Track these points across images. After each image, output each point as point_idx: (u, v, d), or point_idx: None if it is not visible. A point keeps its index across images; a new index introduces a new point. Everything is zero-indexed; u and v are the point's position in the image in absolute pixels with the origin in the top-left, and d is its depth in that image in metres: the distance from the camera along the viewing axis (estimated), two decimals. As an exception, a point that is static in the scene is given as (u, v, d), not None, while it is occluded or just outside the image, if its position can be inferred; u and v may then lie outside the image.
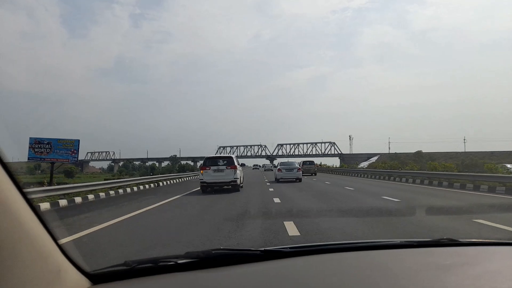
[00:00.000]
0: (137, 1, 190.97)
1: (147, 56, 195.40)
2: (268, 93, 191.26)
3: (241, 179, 16.46)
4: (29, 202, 0.86)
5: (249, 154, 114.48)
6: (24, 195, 0.85)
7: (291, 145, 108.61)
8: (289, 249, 1.32)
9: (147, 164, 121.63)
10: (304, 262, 1.27)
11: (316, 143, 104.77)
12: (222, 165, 15.06)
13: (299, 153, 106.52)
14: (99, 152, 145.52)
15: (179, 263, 1.16)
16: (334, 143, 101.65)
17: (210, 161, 15.43)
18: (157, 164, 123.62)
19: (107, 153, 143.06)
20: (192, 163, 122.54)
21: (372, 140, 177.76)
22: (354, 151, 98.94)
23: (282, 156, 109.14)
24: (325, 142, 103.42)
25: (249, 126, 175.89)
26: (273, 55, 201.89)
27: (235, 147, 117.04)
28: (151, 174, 37.96)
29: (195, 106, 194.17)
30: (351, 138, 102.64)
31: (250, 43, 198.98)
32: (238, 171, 15.30)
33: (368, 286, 1.05)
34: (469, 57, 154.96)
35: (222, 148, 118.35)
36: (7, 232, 0.78)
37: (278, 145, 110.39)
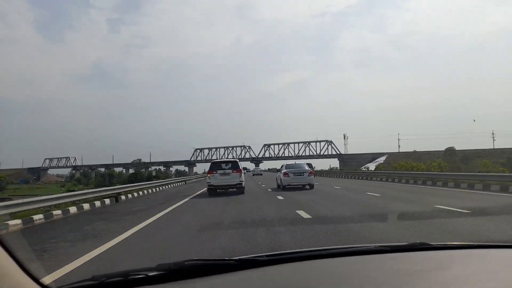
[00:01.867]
0: (114, 6, 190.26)
1: (126, 61, 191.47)
2: (251, 97, 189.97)
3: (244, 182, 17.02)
4: None
5: (230, 156, 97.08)
6: None
7: (280, 145, 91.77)
8: (265, 257, 1.30)
9: (114, 170, 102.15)
10: (279, 271, 1.26)
11: (309, 142, 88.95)
12: (228, 169, 15.89)
13: (290, 155, 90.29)
14: (58, 159, 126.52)
15: (150, 276, 1.13)
16: (331, 141, 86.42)
17: (217, 166, 16.29)
18: (124, 170, 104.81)
19: (67, 159, 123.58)
20: (164, 169, 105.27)
21: (367, 140, 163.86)
22: (355, 152, 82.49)
23: (270, 158, 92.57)
24: (320, 141, 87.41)
25: (231, 128, 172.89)
26: (255, 59, 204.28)
27: (214, 149, 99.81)
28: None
29: (175, 110, 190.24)
30: (345, 137, 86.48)
31: (232, 47, 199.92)
32: (243, 175, 16.43)
33: None
34: (446, 61, 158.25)
35: (199, 151, 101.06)
36: None
37: (264, 145, 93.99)
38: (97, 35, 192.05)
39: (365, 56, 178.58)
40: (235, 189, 15.85)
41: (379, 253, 1.46)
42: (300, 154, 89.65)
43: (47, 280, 1.00)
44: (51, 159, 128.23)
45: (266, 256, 1.31)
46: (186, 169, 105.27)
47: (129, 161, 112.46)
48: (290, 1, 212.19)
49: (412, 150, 71.12)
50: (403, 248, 1.51)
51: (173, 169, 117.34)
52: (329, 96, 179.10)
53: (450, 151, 54.36)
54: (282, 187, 17.89)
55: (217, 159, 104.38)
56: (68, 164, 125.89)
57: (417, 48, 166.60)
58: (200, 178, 44.55)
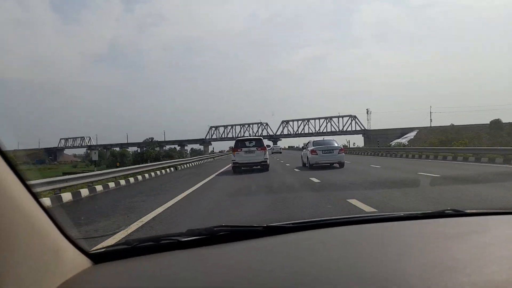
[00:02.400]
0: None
1: (141, 40, 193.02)
2: (267, 75, 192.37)
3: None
4: (25, 183, 0.87)
5: (246, 134, 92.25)
6: (20, 177, 0.86)
7: (299, 122, 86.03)
8: (291, 225, 1.33)
9: (128, 150, 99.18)
10: (306, 237, 1.28)
11: (331, 118, 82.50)
12: (252, 147, 15.98)
13: (310, 131, 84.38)
14: (73, 138, 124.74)
15: (181, 241, 1.18)
16: (355, 116, 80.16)
17: (241, 143, 16.39)
18: (138, 150, 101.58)
19: (82, 139, 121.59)
20: (178, 148, 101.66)
21: (391, 115, 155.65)
22: (380, 127, 76.10)
23: (289, 135, 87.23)
24: (343, 116, 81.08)
25: (247, 106, 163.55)
26: (271, 35, 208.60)
27: (229, 127, 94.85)
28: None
29: (189, 89, 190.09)
30: (368, 112, 79.86)
31: (248, 23, 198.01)
32: (267, 152, 16.41)
33: (375, 257, 1.03)
34: (468, 33, 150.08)
35: (214, 128, 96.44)
36: (3, 213, 0.78)
37: (283, 122, 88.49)
38: (112, 14, 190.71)
39: (385, 29, 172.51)
40: (259, 167, 15.84)
41: (410, 220, 1.43)
42: (321, 131, 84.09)
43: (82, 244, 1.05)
44: (66, 139, 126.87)
45: (292, 223, 1.32)
46: (202, 148, 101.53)
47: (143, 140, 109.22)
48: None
49: (447, 124, 64.43)
50: (434, 215, 1.48)
51: (188, 148, 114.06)
52: (348, 71, 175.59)
53: (496, 124, 47.73)
54: (309, 166, 16.49)
55: (233, 137, 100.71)
56: (83, 144, 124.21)
57: (440, 20, 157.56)
58: (206, 159, 36.45)
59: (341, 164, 16.15)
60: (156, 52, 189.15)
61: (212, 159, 40.16)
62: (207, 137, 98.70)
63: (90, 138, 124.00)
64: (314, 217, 1.51)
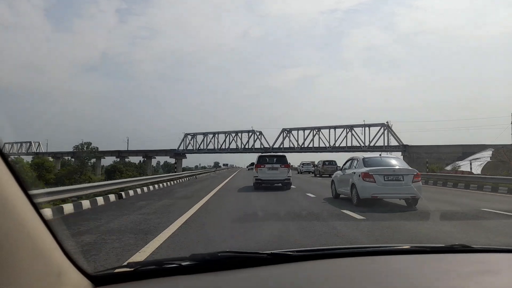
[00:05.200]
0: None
1: (133, 51, 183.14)
2: (257, 92, 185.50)
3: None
4: (32, 201, 0.84)
5: (233, 146, 68.10)
6: (28, 194, 0.83)
7: (307, 131, 61.74)
8: (296, 253, 1.33)
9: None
10: (312, 267, 1.27)
11: (352, 127, 58.10)
12: (276, 164, 15.98)
13: (322, 145, 60.03)
14: (19, 143, 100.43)
15: (183, 266, 1.15)
16: (387, 124, 55.25)
17: (263, 160, 16.37)
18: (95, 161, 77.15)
19: (29, 144, 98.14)
20: (144, 160, 77.49)
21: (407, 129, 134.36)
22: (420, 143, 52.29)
23: (292, 150, 62.65)
24: (370, 125, 56.85)
25: (237, 116, 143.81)
26: (263, 53, 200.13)
27: (210, 134, 70.42)
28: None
29: (177, 102, 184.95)
30: (390, 125, 55.81)
31: (240, 41, 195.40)
32: (290, 170, 16.31)
33: None
34: (457, 61, 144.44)
35: (190, 137, 72.20)
36: (9, 231, 0.76)
37: (283, 130, 64.02)
38: (106, 25, 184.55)
39: (374, 54, 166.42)
40: (280, 184, 15.71)
41: (417, 253, 1.43)
42: (337, 145, 60.12)
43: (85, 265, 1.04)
44: (11, 144, 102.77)
45: (297, 251, 1.33)
46: (173, 161, 77.27)
47: (105, 149, 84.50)
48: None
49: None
50: (442, 249, 1.47)
51: (155, 160, 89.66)
52: (337, 92, 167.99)
53: None
54: (356, 200, 9.67)
55: (214, 148, 77.54)
56: (30, 151, 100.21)
57: (427, 47, 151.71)
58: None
59: (414, 202, 9.44)
60: (146, 64, 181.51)
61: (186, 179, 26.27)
62: (181, 148, 74.24)
63: (39, 144, 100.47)
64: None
